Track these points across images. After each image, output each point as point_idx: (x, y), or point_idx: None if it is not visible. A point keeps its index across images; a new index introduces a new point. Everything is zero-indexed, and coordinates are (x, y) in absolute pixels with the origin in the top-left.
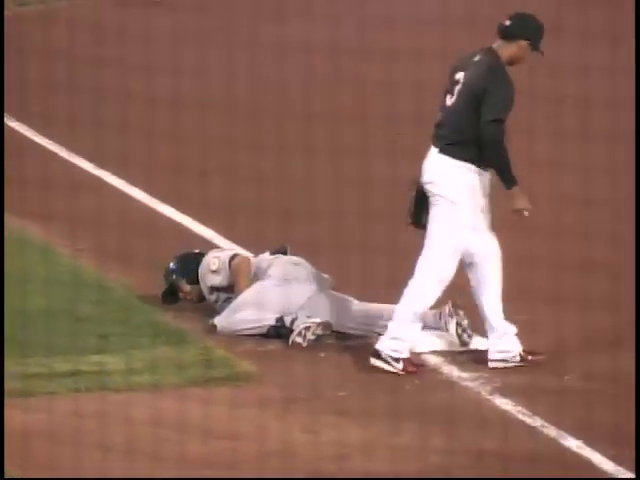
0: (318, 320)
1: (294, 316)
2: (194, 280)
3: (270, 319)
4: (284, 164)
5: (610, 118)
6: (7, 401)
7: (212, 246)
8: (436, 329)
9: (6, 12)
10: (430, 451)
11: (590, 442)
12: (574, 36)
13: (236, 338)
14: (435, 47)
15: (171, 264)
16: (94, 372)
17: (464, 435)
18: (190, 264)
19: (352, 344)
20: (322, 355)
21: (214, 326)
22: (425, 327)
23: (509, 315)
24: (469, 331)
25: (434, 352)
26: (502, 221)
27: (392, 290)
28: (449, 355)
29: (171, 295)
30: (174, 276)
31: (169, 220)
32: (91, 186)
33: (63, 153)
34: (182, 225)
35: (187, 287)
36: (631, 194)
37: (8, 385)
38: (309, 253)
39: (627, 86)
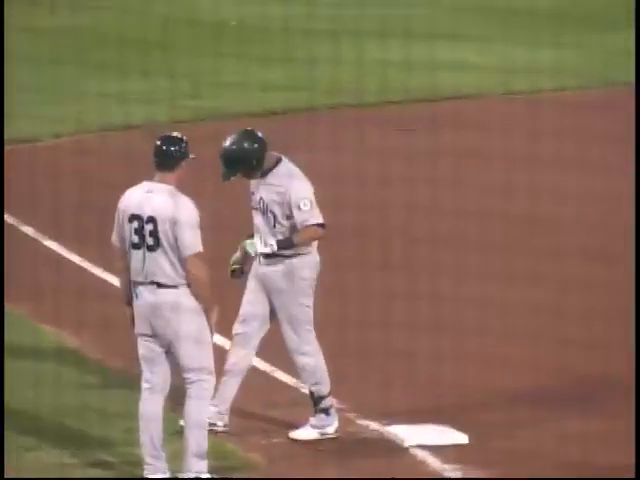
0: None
1: (323, 392)
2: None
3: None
4: None
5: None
6: None
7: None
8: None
9: (41, 142)
10: None
11: None
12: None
13: (245, 432)
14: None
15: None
16: (123, 462)
17: None
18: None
19: (350, 439)
20: (321, 449)
21: None
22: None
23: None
24: None
25: (421, 446)
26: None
27: None
28: (433, 448)
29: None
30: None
31: None
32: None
33: (94, 270)
34: None
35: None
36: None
37: (48, 473)
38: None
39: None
